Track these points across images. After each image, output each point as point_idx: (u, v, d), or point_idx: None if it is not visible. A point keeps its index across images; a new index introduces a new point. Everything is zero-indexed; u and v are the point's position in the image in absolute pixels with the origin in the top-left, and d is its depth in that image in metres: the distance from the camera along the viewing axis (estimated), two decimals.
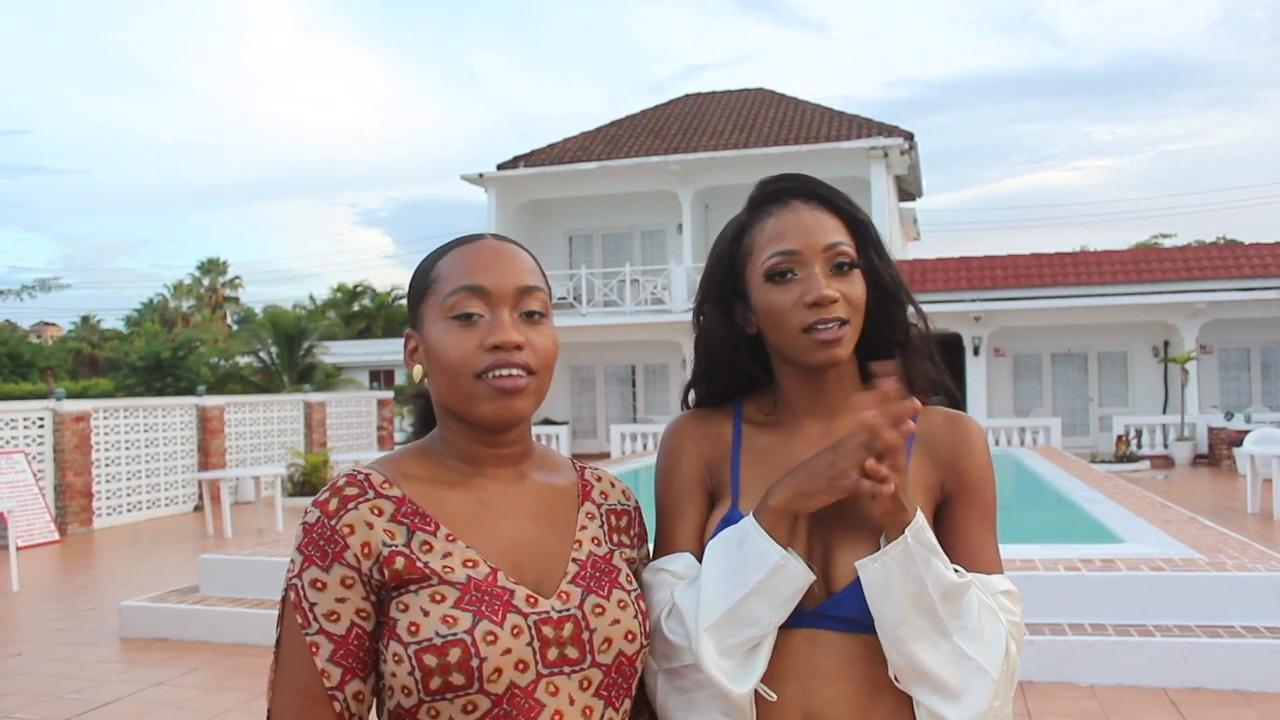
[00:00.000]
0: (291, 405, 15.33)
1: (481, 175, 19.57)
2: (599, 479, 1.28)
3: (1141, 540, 5.82)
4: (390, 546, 1.07)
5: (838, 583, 1.16)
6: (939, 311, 16.57)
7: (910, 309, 1.28)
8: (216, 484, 10.83)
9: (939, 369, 1.31)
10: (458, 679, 1.02)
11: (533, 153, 20.40)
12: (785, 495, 1.14)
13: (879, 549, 1.12)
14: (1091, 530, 6.75)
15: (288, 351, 24.07)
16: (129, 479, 12.20)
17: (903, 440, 1.08)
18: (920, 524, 1.11)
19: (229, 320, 44.30)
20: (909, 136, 18.30)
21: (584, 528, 1.20)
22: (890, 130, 18.40)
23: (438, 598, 1.05)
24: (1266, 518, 9.71)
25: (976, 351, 17.80)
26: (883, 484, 1.08)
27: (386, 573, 1.06)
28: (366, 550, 1.06)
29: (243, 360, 26.30)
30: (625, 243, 20.84)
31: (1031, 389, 19.12)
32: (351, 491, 1.09)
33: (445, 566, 1.07)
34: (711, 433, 1.32)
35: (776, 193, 1.27)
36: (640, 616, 1.15)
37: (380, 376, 29.82)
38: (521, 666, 1.05)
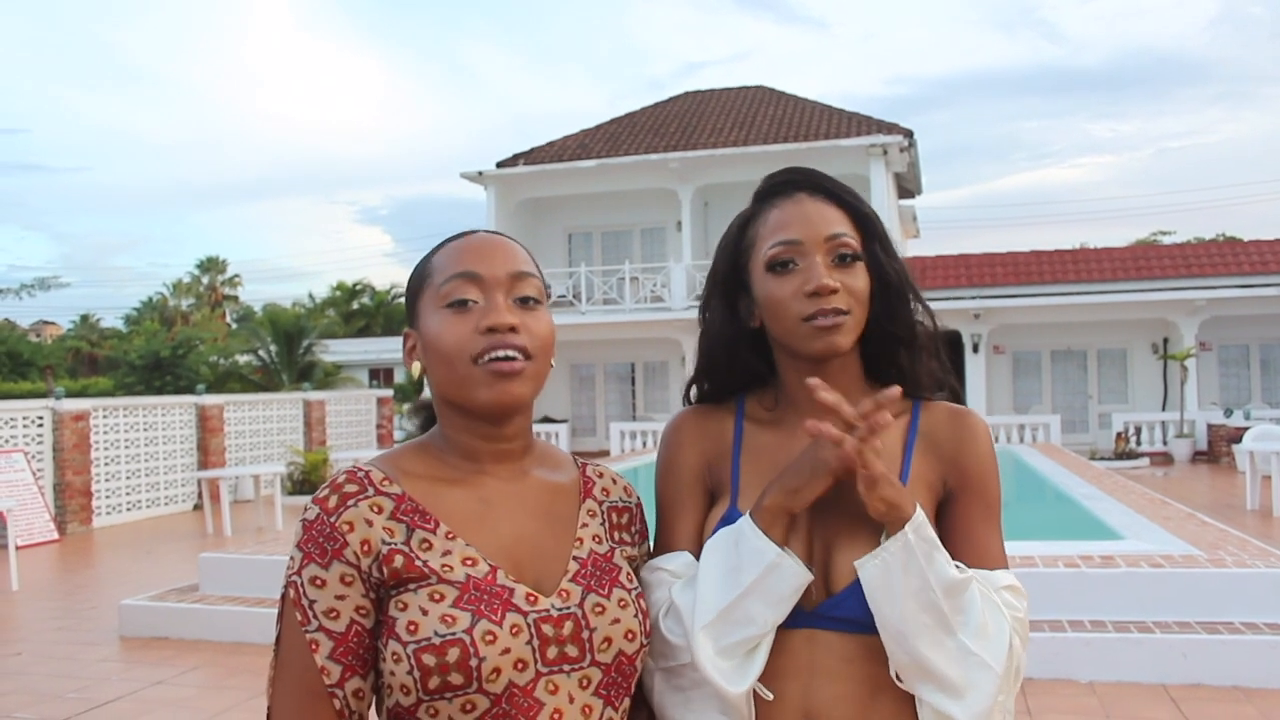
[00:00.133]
0: (291, 404, 15.32)
1: (481, 173, 19.55)
2: (600, 476, 1.27)
3: (1141, 537, 5.82)
4: (389, 544, 1.06)
5: (838, 584, 1.15)
6: (938, 309, 16.04)
7: (916, 305, 1.27)
8: (216, 483, 10.82)
9: (944, 366, 1.30)
10: (456, 679, 1.01)
11: (532, 150, 20.36)
12: (777, 493, 1.14)
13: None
14: (1091, 527, 6.75)
15: (287, 350, 24.08)
16: (128, 478, 12.19)
17: (870, 430, 1.07)
18: (920, 519, 1.10)
19: (228, 319, 44.23)
20: (908, 134, 18.27)
21: (585, 525, 1.19)
22: (890, 127, 18.37)
23: (436, 597, 1.04)
24: (1266, 514, 9.72)
25: (976, 349, 17.80)
26: (865, 469, 1.08)
27: (385, 571, 1.05)
28: (366, 548, 1.06)
29: (242, 359, 26.27)
30: (625, 240, 20.82)
31: (1031, 386, 19.13)
32: (351, 488, 1.09)
33: (444, 565, 1.07)
34: (712, 429, 1.30)
35: (782, 185, 1.26)
36: (640, 615, 1.14)
37: (380, 375, 29.83)
38: (520, 665, 1.04)
